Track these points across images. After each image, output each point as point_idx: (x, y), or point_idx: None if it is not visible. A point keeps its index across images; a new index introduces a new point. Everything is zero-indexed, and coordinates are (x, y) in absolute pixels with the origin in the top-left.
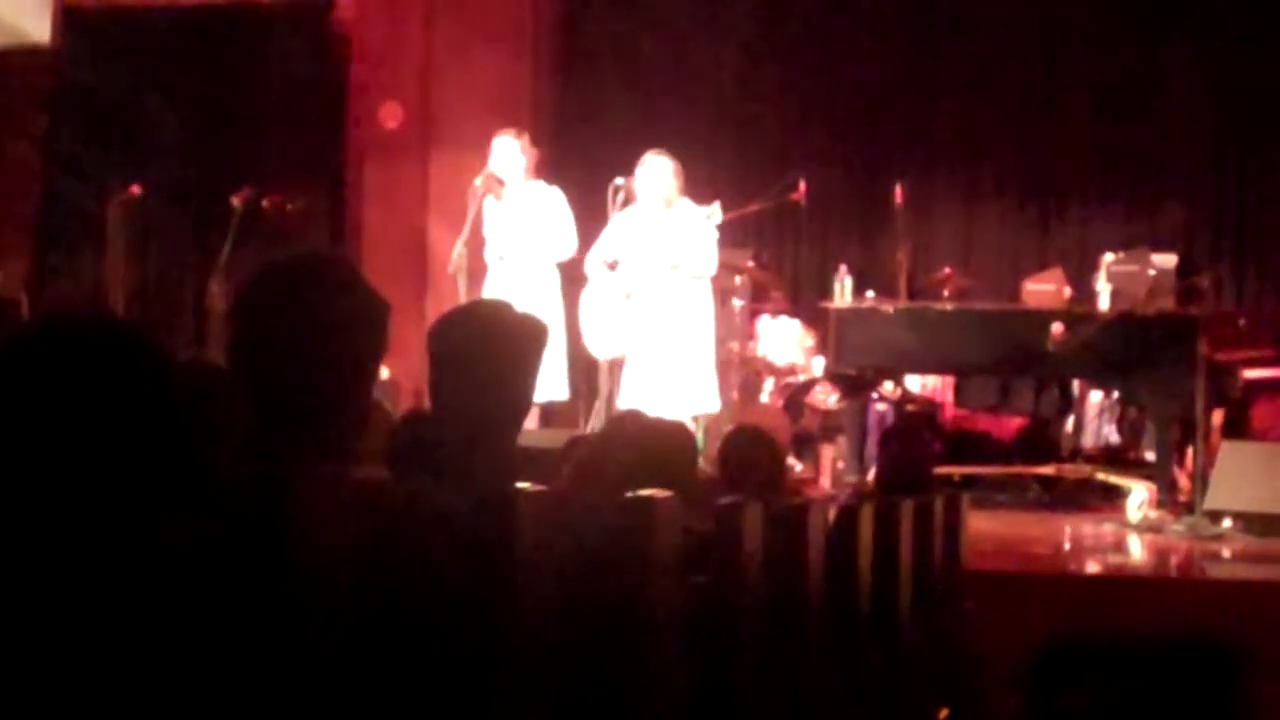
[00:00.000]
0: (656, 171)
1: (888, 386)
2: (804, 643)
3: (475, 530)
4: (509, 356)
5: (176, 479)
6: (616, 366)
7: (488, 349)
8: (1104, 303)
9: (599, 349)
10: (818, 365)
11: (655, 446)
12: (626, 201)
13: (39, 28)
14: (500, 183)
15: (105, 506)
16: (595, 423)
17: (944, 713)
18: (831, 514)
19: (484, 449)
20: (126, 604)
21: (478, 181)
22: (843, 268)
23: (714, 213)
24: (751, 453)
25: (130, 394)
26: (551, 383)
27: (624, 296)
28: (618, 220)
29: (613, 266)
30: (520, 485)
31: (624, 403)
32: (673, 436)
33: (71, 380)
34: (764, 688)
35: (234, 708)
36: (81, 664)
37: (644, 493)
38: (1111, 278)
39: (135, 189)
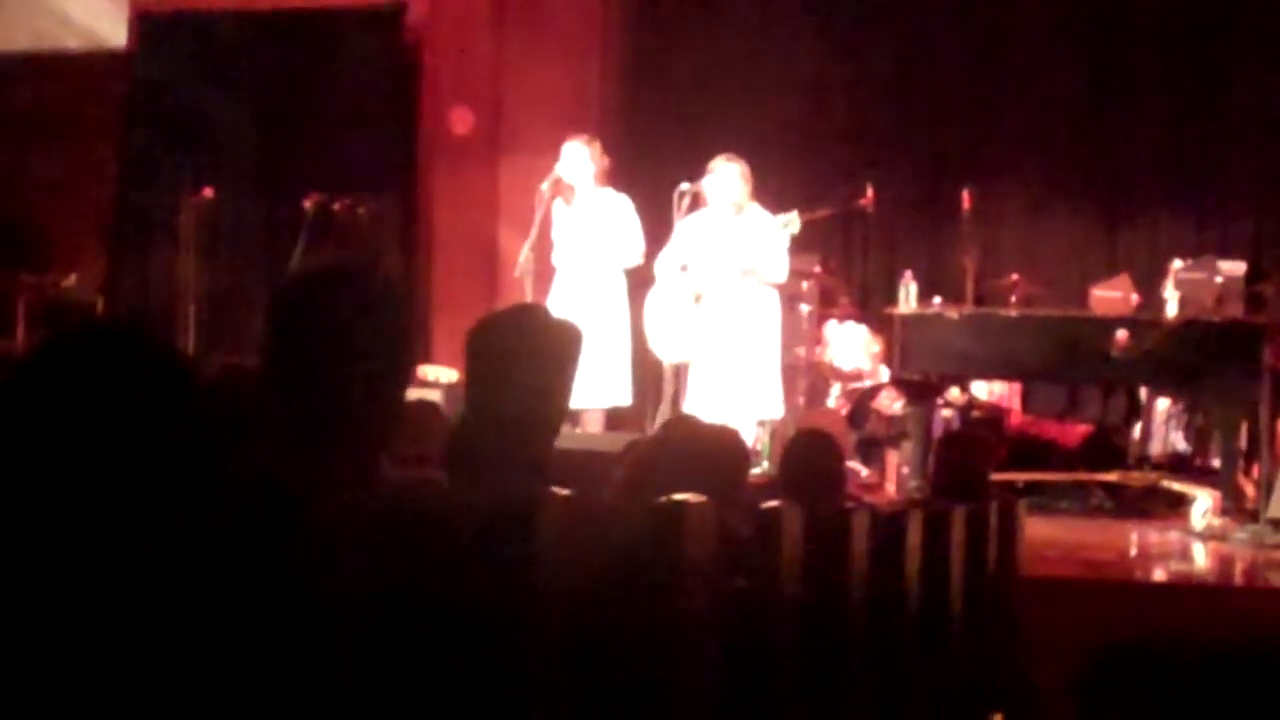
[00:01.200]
0: (727, 176)
1: (954, 392)
2: (845, 648)
3: (496, 534)
4: (543, 361)
5: (201, 483)
6: (682, 370)
7: (522, 353)
8: (1171, 310)
9: (665, 353)
10: (884, 371)
11: (703, 451)
12: (693, 206)
13: (115, 32)
14: (568, 187)
15: (121, 510)
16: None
17: (997, 718)
18: (881, 520)
19: (518, 452)
20: (148, 606)
21: (545, 185)
22: (908, 273)
23: (791, 221)
24: (813, 456)
25: (148, 400)
26: (616, 387)
27: (693, 300)
28: (687, 224)
29: (683, 270)
30: (553, 489)
31: (689, 407)
32: (721, 441)
33: (88, 387)
34: (802, 693)
35: (245, 703)
36: (90, 657)
37: (677, 497)
38: (1179, 285)
39: (208, 191)
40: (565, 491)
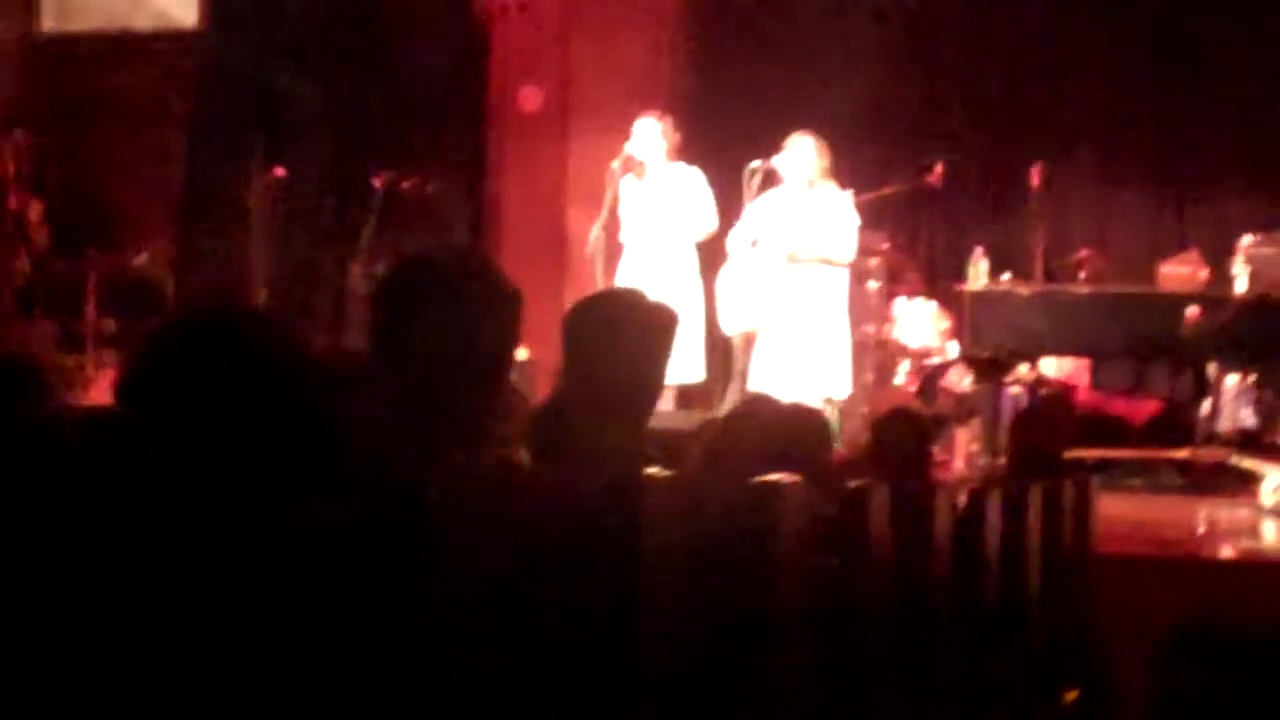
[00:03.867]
0: (802, 151)
1: (1022, 369)
2: (931, 626)
3: (601, 515)
4: (640, 343)
5: (315, 465)
6: (751, 346)
7: (619, 336)
8: (1241, 285)
9: (729, 323)
10: (953, 348)
11: (786, 430)
12: (765, 184)
13: (185, 11)
14: (639, 164)
15: (247, 492)
16: (729, 404)
17: (1072, 695)
18: (962, 497)
19: (614, 434)
20: (267, 587)
21: (615, 164)
22: (978, 250)
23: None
24: (903, 436)
25: (272, 382)
26: (688, 364)
27: (763, 277)
28: (763, 199)
29: (754, 245)
30: (648, 470)
31: (755, 384)
32: (804, 419)
33: (216, 368)
34: (890, 672)
35: (368, 688)
36: (213, 644)
37: (771, 476)
38: (1249, 260)
39: (279, 171)
40: (666, 473)
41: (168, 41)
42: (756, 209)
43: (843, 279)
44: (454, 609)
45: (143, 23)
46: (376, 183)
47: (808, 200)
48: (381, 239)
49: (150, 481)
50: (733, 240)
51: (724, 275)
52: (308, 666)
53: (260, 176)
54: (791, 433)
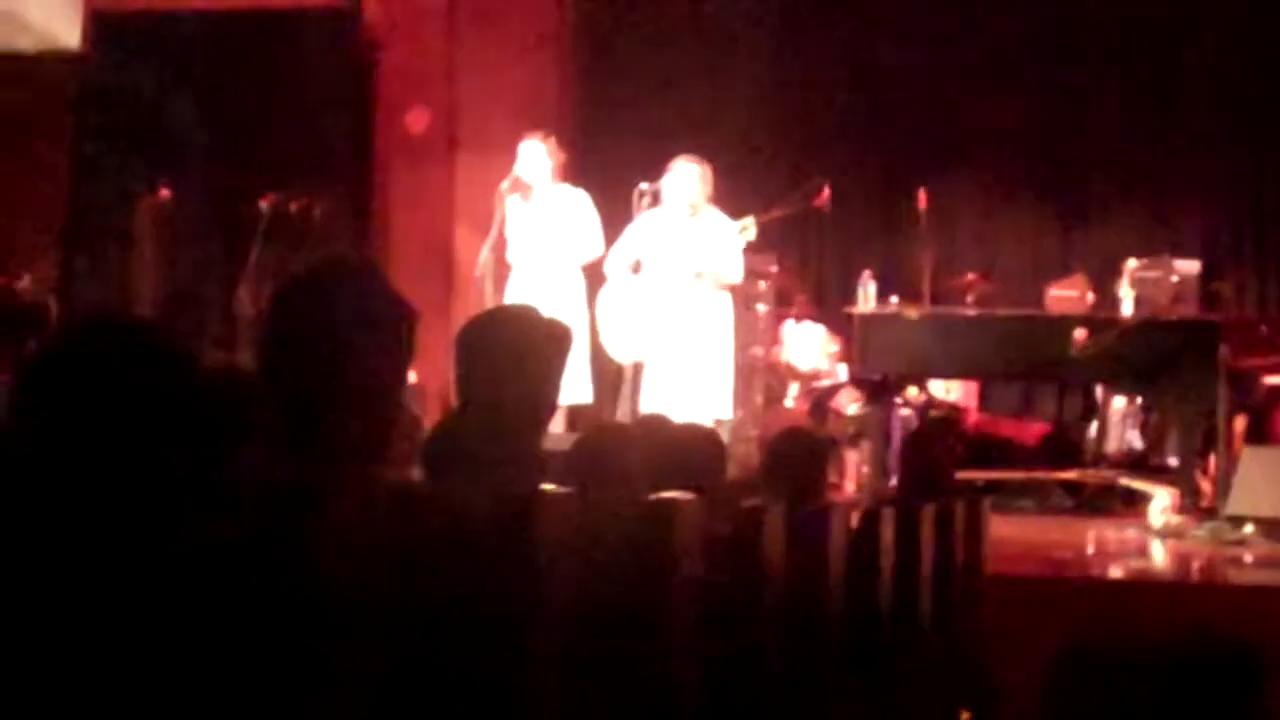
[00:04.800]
0: (685, 176)
1: (912, 392)
2: (824, 645)
3: (497, 531)
4: (534, 360)
5: (204, 482)
6: (639, 369)
7: (513, 353)
8: (1127, 309)
9: (619, 352)
10: (842, 370)
11: (682, 449)
12: (653, 205)
13: (69, 32)
14: (527, 186)
15: (132, 509)
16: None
17: (965, 716)
18: (854, 518)
19: (509, 451)
20: (151, 606)
21: (504, 185)
22: (866, 273)
23: (747, 227)
24: (800, 456)
25: (157, 398)
26: (576, 386)
27: (647, 301)
28: (641, 222)
29: (636, 269)
30: (544, 486)
31: (646, 406)
32: (700, 439)
33: (101, 384)
34: (783, 690)
35: (256, 708)
36: (103, 664)
37: (666, 494)
38: (1134, 284)
39: (164, 192)
40: (562, 489)
41: (51, 63)
42: (635, 231)
43: (727, 302)
44: (346, 626)
45: (25, 44)
46: (263, 204)
47: (691, 225)
48: (268, 261)
49: (38, 502)
50: (611, 262)
51: (604, 299)
52: (197, 684)
53: (145, 198)
54: (687, 452)
